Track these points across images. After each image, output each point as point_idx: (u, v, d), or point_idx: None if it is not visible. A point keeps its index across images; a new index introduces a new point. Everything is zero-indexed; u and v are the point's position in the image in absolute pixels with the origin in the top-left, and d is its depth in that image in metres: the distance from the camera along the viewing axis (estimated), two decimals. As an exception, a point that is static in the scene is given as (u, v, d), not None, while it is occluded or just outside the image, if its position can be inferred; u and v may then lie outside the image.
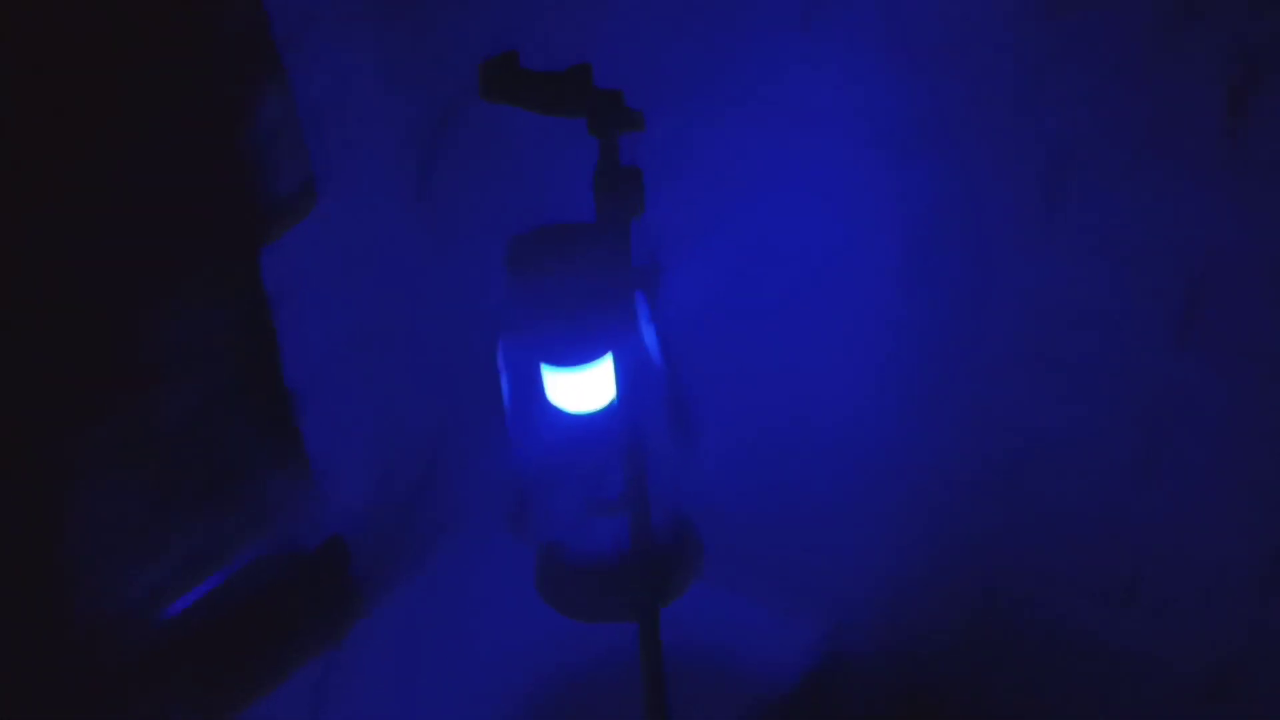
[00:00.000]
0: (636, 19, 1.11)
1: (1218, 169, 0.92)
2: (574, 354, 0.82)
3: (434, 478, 1.51)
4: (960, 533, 1.24)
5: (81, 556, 1.20)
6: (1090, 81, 0.95)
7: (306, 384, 1.37)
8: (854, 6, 1.03)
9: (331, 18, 1.25)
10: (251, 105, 1.16)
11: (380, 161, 1.35)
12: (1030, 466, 1.15)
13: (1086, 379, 1.07)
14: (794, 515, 1.35)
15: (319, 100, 1.25)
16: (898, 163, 1.07)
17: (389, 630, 1.44)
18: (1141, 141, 0.95)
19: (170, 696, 1.30)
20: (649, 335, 0.84)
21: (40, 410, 1.13)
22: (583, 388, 0.86)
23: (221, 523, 1.34)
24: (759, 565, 1.37)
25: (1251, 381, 0.99)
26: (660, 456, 0.89)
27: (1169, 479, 1.07)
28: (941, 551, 1.26)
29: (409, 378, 1.47)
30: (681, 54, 1.13)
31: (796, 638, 1.35)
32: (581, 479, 0.93)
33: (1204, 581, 1.09)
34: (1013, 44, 0.97)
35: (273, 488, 1.39)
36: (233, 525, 1.35)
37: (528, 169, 1.23)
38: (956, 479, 1.21)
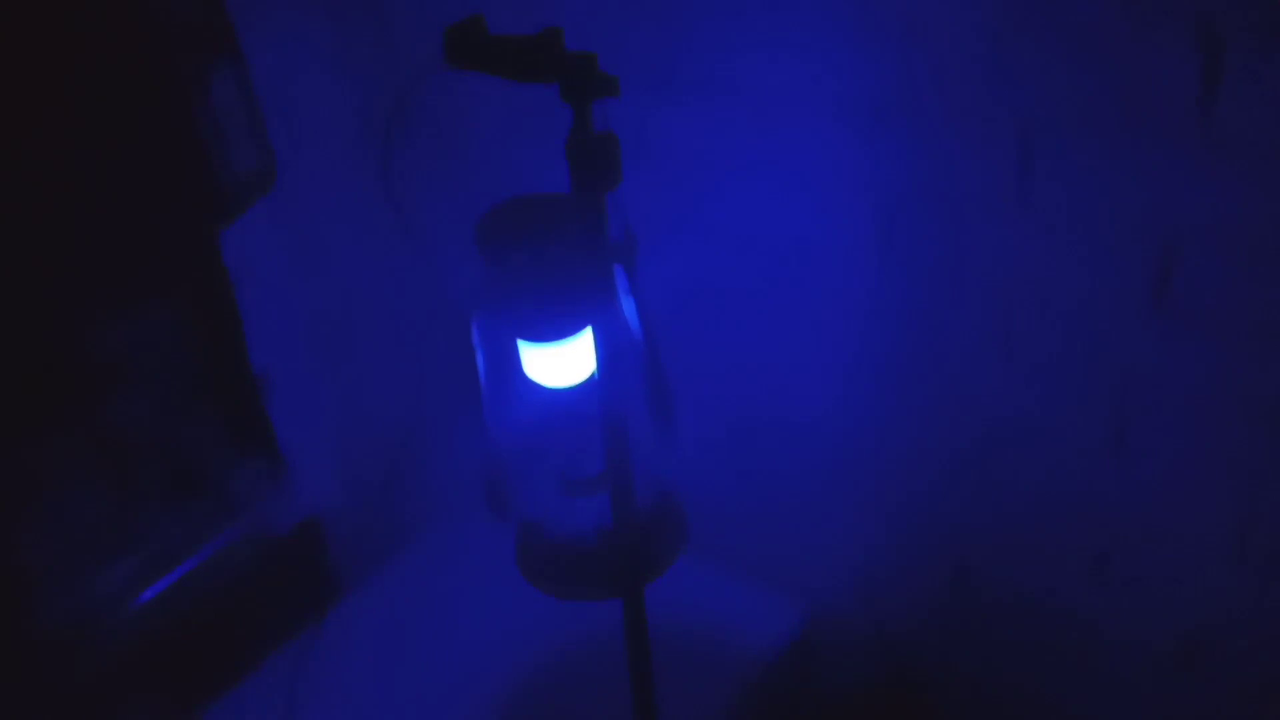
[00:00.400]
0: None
1: (1190, 142, 0.91)
2: (553, 329, 0.80)
3: (409, 459, 1.48)
4: (934, 512, 1.24)
5: (45, 560, 1.17)
6: (1060, 54, 0.94)
7: (274, 367, 1.35)
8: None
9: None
10: (206, 83, 1.13)
11: (341, 138, 1.31)
12: (1002, 445, 1.15)
13: (1057, 357, 1.07)
14: (767, 496, 1.35)
15: (276, 76, 1.21)
16: (866, 141, 1.06)
17: (367, 614, 1.42)
18: (1113, 115, 0.94)
19: (143, 689, 1.27)
20: (628, 308, 0.82)
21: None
22: (561, 362, 0.84)
23: (191, 513, 1.31)
24: (733, 547, 1.37)
25: (1222, 356, 0.98)
26: (641, 431, 0.87)
27: (1139, 455, 1.07)
28: (915, 530, 1.26)
29: (380, 358, 1.45)
30: (644, 34, 1.11)
31: (774, 617, 1.35)
32: (560, 455, 0.91)
33: (1173, 554, 1.10)
34: (981, 17, 0.95)
35: (243, 474, 1.36)
36: (202, 514, 1.33)
37: (494, 142, 1.20)
38: (930, 459, 1.20)
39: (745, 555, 1.38)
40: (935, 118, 1.02)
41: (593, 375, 0.85)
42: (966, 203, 1.04)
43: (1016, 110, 0.98)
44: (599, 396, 0.81)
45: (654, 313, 0.85)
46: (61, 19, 1.03)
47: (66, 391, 1.16)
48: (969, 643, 1.29)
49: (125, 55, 1.08)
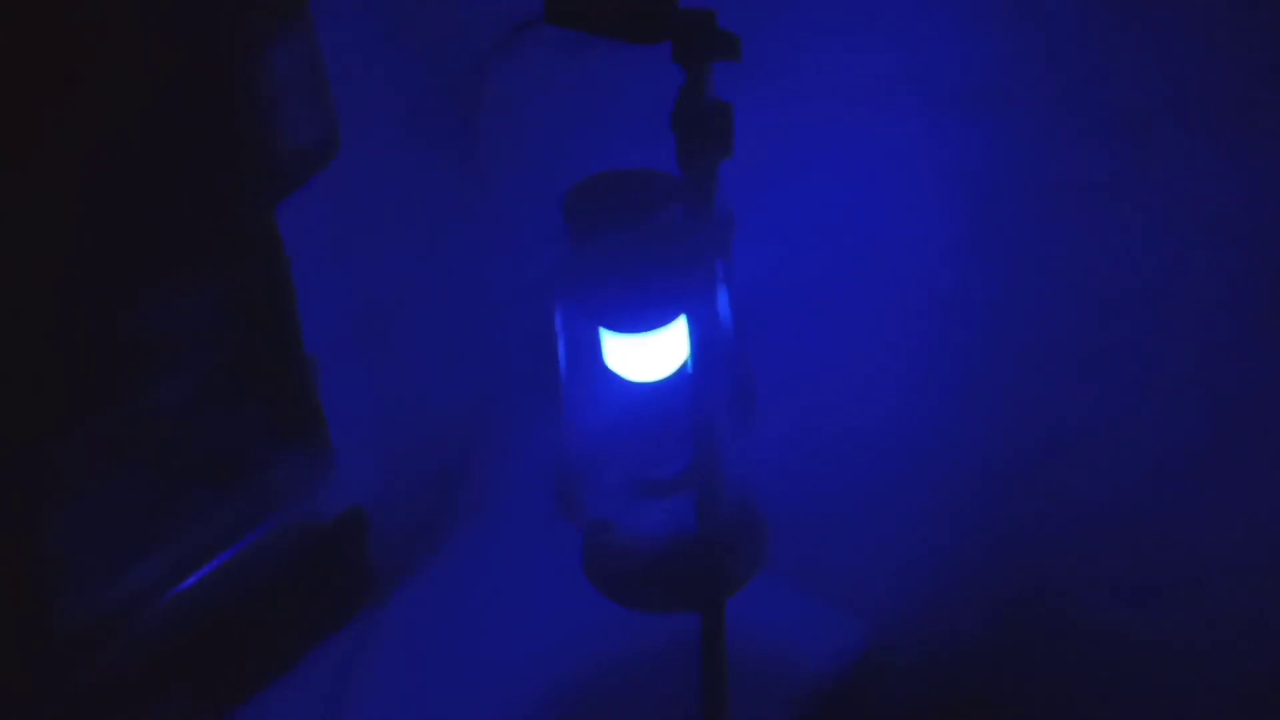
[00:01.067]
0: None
1: None
2: (646, 317, 0.74)
3: (465, 453, 1.42)
4: (1008, 531, 1.17)
5: (75, 550, 1.11)
6: (1192, 37, 0.86)
7: (324, 351, 1.29)
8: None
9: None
10: (269, 45, 1.07)
11: (403, 109, 1.25)
12: (1085, 461, 1.08)
13: (1155, 367, 1.01)
14: (829, 506, 1.29)
15: (337, 42, 1.16)
16: (958, 127, 0.99)
17: (411, 611, 1.36)
18: (1245, 107, 0.86)
19: (176, 686, 1.22)
20: (721, 297, 0.76)
21: (25, 402, 1.03)
22: (649, 355, 0.77)
23: (232, 501, 1.25)
24: (791, 559, 1.29)
25: None
26: (727, 432, 0.81)
27: (1237, 477, 1.00)
28: (987, 550, 1.20)
29: (440, 346, 1.38)
30: (722, 17, 1.04)
31: (834, 634, 1.27)
32: (635, 454, 0.85)
33: (1270, 582, 1.03)
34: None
35: (289, 461, 1.30)
36: (245, 502, 1.27)
37: (585, 109, 1.13)
38: (1006, 475, 1.14)
39: (804, 568, 1.31)
40: (1043, 103, 0.94)
41: (681, 369, 0.79)
42: (1069, 196, 0.97)
43: (1138, 97, 0.91)
44: (691, 393, 0.74)
45: (744, 304, 0.78)
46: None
47: (104, 372, 1.10)
48: (1035, 668, 1.23)
49: (180, 11, 1.02)
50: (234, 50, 1.04)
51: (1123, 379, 1.02)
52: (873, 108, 1.01)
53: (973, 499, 1.18)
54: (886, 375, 1.16)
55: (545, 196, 0.77)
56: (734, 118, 0.63)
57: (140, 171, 1.05)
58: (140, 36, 0.99)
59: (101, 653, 1.15)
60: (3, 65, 0.91)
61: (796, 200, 1.09)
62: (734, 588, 0.84)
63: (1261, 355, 0.94)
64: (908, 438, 1.18)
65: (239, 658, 1.28)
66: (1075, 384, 1.05)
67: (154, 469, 1.18)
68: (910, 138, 1.02)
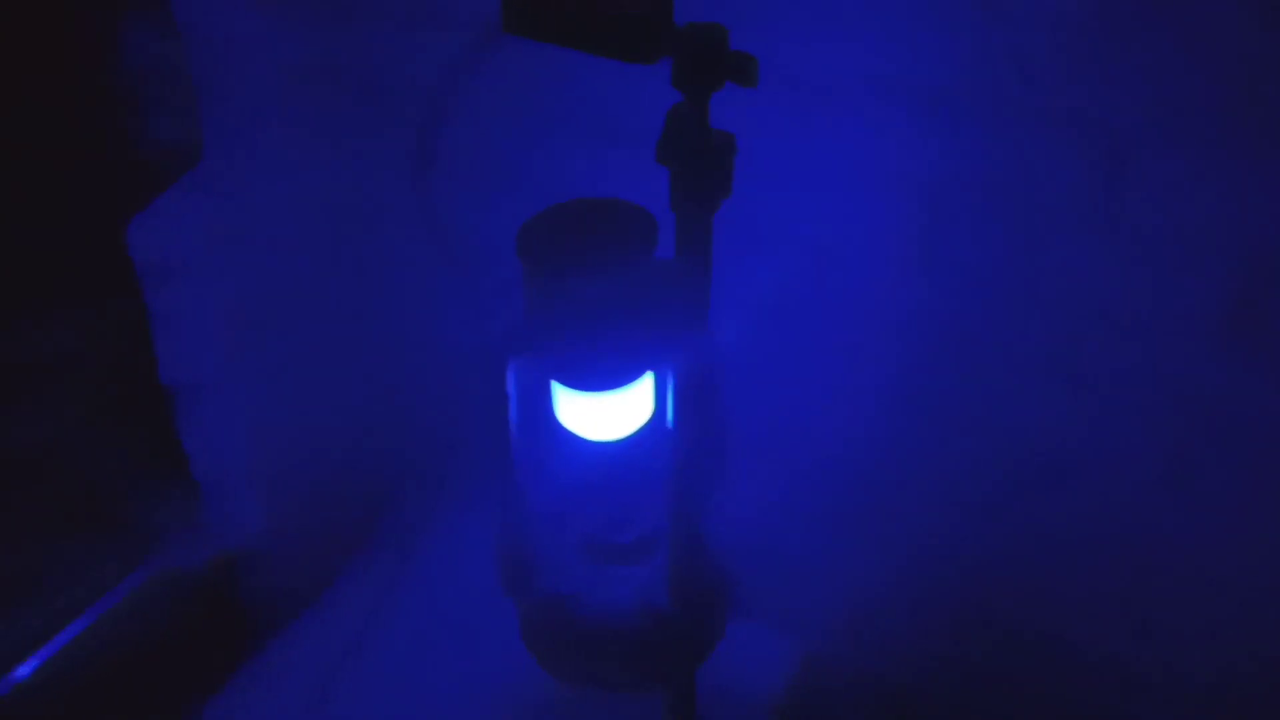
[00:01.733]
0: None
1: None
2: (612, 375, 0.63)
3: (344, 485, 1.28)
4: (958, 549, 1.12)
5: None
6: (1175, 51, 0.82)
7: (192, 380, 1.13)
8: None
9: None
10: (118, 36, 0.90)
11: (275, 104, 1.09)
12: (1043, 479, 1.04)
13: (1119, 384, 0.97)
14: (775, 525, 1.21)
15: (198, 29, 0.99)
16: (921, 135, 0.92)
17: (294, 660, 1.22)
18: (1224, 125, 0.83)
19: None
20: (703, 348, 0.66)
21: None
22: (613, 413, 0.67)
23: (91, 553, 1.09)
24: (742, 579, 1.22)
25: None
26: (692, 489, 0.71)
27: (1198, 494, 0.98)
28: (935, 568, 1.15)
29: (314, 371, 1.23)
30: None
31: (771, 658, 1.21)
32: (596, 518, 0.75)
33: (1223, 599, 1.02)
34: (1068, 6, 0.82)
35: (150, 506, 1.14)
36: (104, 554, 1.11)
37: (529, 134, 0.99)
38: (959, 493, 1.09)
39: (749, 588, 1.24)
40: (1013, 112, 0.88)
41: (645, 426, 0.69)
42: (1035, 209, 0.92)
43: (1106, 110, 0.86)
44: (671, 451, 0.64)
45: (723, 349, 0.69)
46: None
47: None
48: (984, 690, 1.20)
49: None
50: (77, 46, 0.87)
51: (1084, 396, 0.98)
52: (833, 112, 0.93)
53: (926, 521, 1.13)
54: (844, 395, 1.09)
55: (492, 226, 0.65)
56: (737, 150, 0.53)
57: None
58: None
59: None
60: None
61: (746, 210, 1.00)
62: (704, 657, 0.75)
63: (1225, 373, 0.92)
64: (864, 461, 1.12)
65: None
66: (1036, 402, 1.00)
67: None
68: (873, 146, 0.94)
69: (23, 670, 1.03)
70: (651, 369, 0.64)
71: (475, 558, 0.94)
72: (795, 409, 1.10)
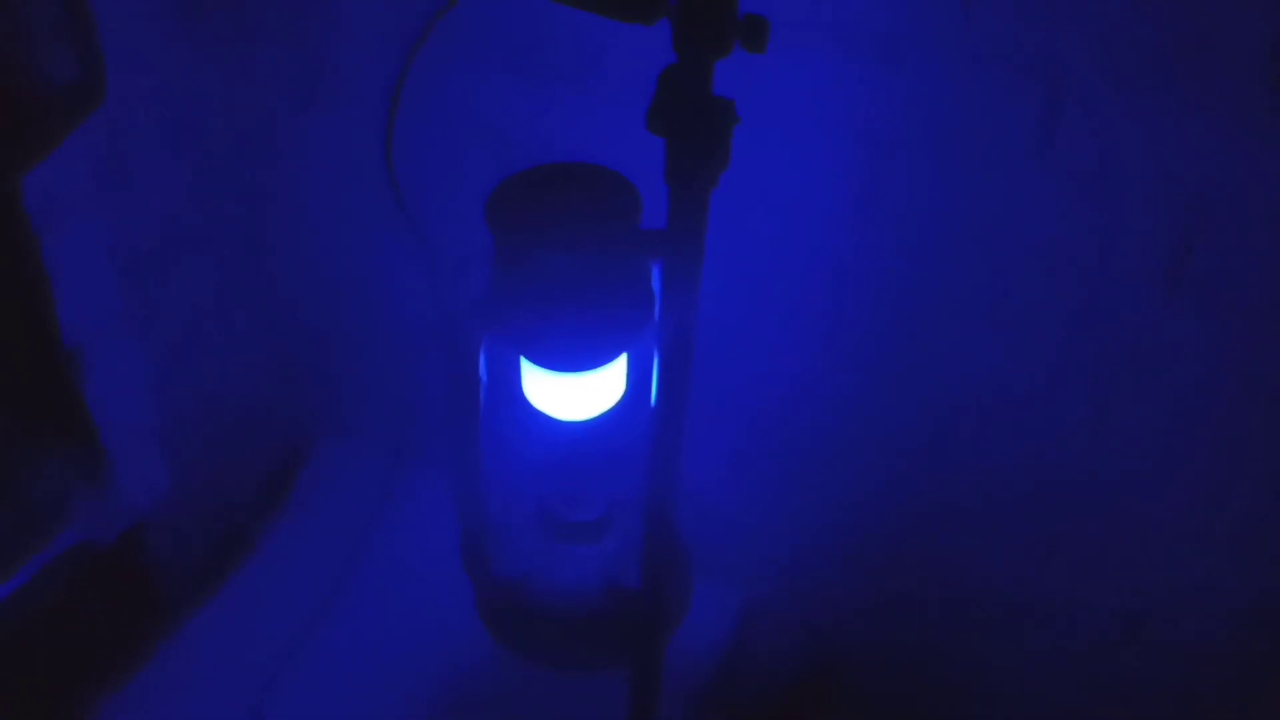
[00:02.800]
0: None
1: (1246, 107, 0.80)
2: (586, 356, 0.59)
3: (256, 446, 1.22)
4: (882, 491, 1.14)
5: None
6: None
7: (88, 339, 1.05)
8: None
9: None
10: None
11: (168, 35, 1.00)
12: (972, 424, 1.05)
13: (1051, 330, 0.97)
14: (710, 476, 1.20)
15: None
16: (862, 80, 0.89)
17: (211, 632, 1.16)
18: (1162, 70, 0.82)
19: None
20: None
21: None
22: (583, 393, 0.63)
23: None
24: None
25: (1227, 338, 0.91)
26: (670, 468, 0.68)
27: (1118, 436, 1.00)
28: (860, 511, 1.16)
29: (221, 320, 1.16)
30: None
31: (713, 605, 1.21)
32: (555, 497, 0.71)
33: (1132, 536, 1.05)
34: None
35: (52, 475, 1.06)
36: (4, 528, 1.03)
37: (502, 101, 0.93)
38: (890, 440, 1.10)
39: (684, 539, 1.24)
40: (956, 56, 0.86)
41: (617, 406, 0.65)
42: (976, 155, 0.91)
43: (1052, 54, 0.84)
44: (654, 441, 0.61)
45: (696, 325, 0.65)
46: None
47: None
48: (904, 625, 1.23)
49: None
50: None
51: (1019, 342, 0.99)
52: (773, 58, 0.89)
53: (855, 466, 1.13)
54: (781, 347, 1.07)
55: (457, 186, 0.60)
56: (738, 119, 0.50)
57: None
58: None
59: None
60: None
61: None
62: (673, 630, 0.73)
63: (1159, 320, 0.92)
64: (789, 406, 1.11)
65: (19, 714, 1.05)
66: (971, 348, 1.00)
67: None
68: (813, 91, 0.91)
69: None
70: (629, 349, 0.60)
71: (428, 529, 0.90)
72: (728, 357, 1.08)
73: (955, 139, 0.90)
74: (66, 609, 1.08)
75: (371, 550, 1.20)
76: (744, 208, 0.98)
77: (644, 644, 0.69)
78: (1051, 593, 1.12)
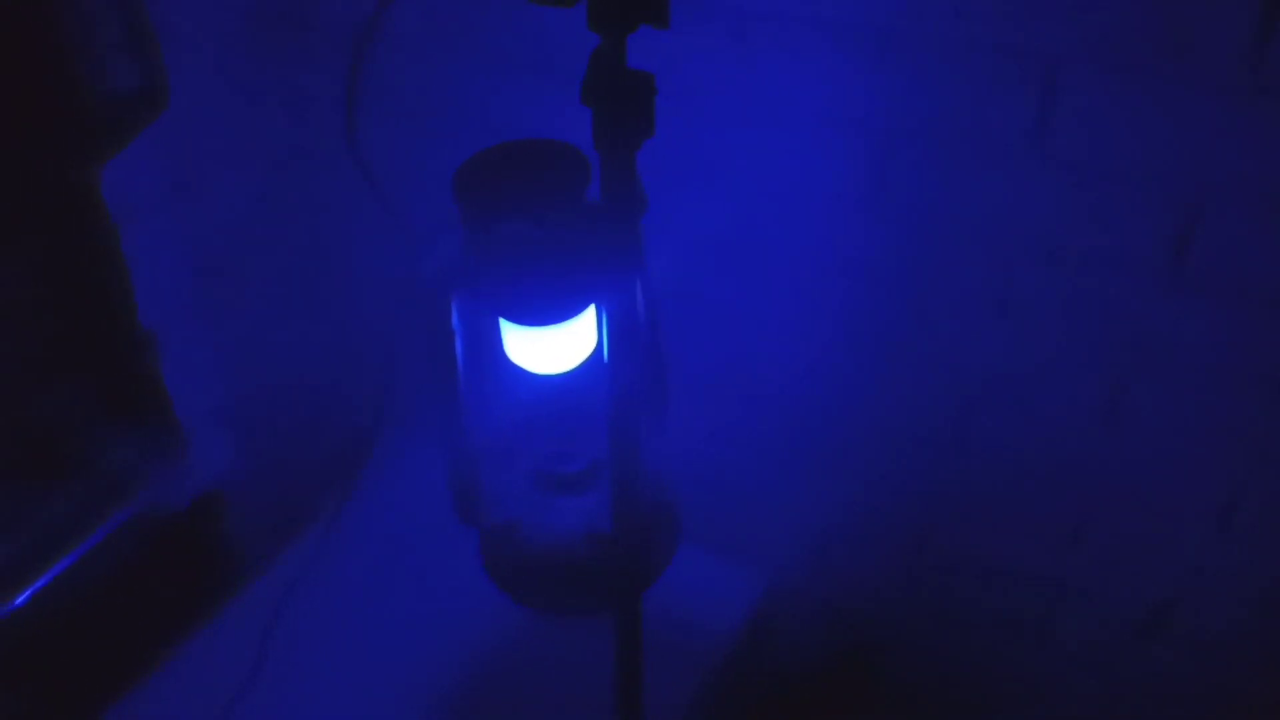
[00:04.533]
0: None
1: (1236, 92, 0.82)
2: (554, 311, 0.66)
3: (318, 425, 1.31)
4: (905, 478, 1.16)
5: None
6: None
7: (163, 324, 1.16)
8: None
9: None
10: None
11: (238, 50, 1.11)
12: (986, 410, 1.07)
13: (1058, 318, 0.99)
14: (735, 461, 1.24)
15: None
16: (864, 73, 0.93)
17: (276, 599, 1.26)
18: (1152, 57, 0.84)
19: (26, 699, 1.09)
20: (636, 284, 0.68)
21: None
22: (556, 347, 0.69)
23: (72, 494, 1.12)
24: (696, 512, 1.26)
25: (1232, 325, 0.92)
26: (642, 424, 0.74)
27: (1132, 423, 1.01)
28: (883, 497, 1.19)
29: (288, 306, 1.26)
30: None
31: (731, 590, 1.25)
32: (538, 449, 0.78)
33: (1154, 524, 1.05)
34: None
35: (132, 446, 1.18)
36: (86, 494, 1.14)
37: (475, 77, 1.01)
38: (906, 424, 1.12)
39: (698, 525, 1.28)
40: (952, 48, 0.89)
41: (588, 360, 0.72)
42: (974, 146, 0.94)
43: (1045, 43, 0.87)
44: (607, 385, 0.67)
45: (656, 285, 0.71)
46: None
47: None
48: (928, 609, 1.24)
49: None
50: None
51: (1027, 330, 1.01)
52: (769, 53, 0.94)
53: (875, 451, 1.16)
54: (795, 330, 1.11)
55: (431, 164, 0.67)
56: (656, 90, 0.56)
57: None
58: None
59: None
60: None
61: (691, 151, 1.02)
62: (650, 581, 0.79)
63: (1162, 307, 0.94)
64: (816, 393, 1.14)
65: (90, 665, 1.16)
66: (980, 336, 1.02)
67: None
68: (811, 85, 0.95)
69: (16, 600, 1.07)
70: (589, 303, 0.67)
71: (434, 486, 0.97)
72: (749, 344, 1.12)
73: (952, 129, 0.93)
74: (141, 566, 1.19)
75: (423, 530, 1.28)
76: (759, 198, 1.03)
77: (619, 590, 0.75)
78: (1078, 581, 1.13)
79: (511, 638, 1.06)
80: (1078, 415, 1.02)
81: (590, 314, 0.69)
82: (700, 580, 1.25)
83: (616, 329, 0.64)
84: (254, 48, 1.13)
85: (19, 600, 1.07)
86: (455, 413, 0.72)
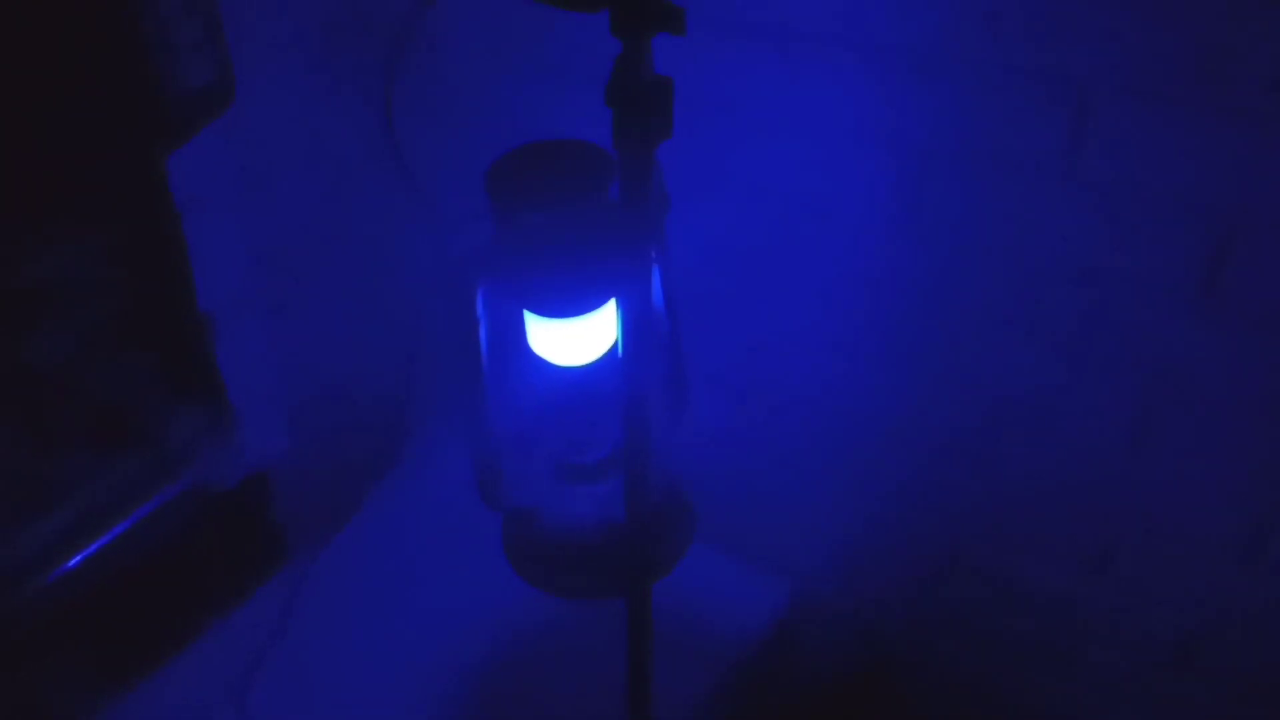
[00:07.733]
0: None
1: (1267, 122, 0.83)
2: (576, 303, 0.69)
3: (366, 410, 1.36)
4: (930, 495, 1.17)
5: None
6: (1137, 9, 0.83)
7: (220, 307, 1.21)
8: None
9: None
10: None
11: (303, 51, 1.17)
12: (1012, 431, 1.08)
13: (1085, 342, 0.99)
14: (756, 472, 1.27)
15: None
16: (896, 94, 0.95)
17: (320, 578, 1.31)
18: (1186, 84, 0.84)
19: (71, 664, 1.15)
20: (656, 278, 0.71)
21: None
22: (577, 339, 0.73)
23: (126, 466, 1.18)
24: (717, 524, 1.28)
25: (1266, 351, 0.91)
26: (655, 415, 0.77)
27: (1160, 449, 1.00)
28: (908, 513, 1.20)
29: (339, 299, 1.31)
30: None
31: (757, 597, 1.27)
32: (558, 439, 0.81)
33: (1182, 553, 1.05)
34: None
35: (185, 424, 1.23)
36: (139, 468, 1.20)
37: (509, 78, 1.06)
38: (932, 442, 1.13)
39: (728, 533, 1.30)
40: (985, 72, 0.91)
41: (609, 353, 0.75)
42: (1005, 167, 0.95)
43: (1078, 68, 0.88)
44: (622, 376, 0.70)
45: (677, 283, 0.74)
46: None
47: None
48: (952, 630, 1.24)
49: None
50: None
51: (1055, 352, 1.01)
52: (808, 71, 0.97)
53: (900, 467, 1.17)
54: (822, 343, 1.14)
55: (464, 163, 0.71)
56: (674, 94, 0.59)
57: (15, 114, 0.96)
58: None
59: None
60: None
61: (729, 161, 1.05)
62: (661, 572, 0.81)
63: (1193, 333, 0.94)
64: (842, 406, 1.16)
65: (140, 631, 1.22)
66: (1008, 356, 1.03)
67: (32, 429, 1.10)
68: (847, 103, 0.98)
69: (69, 563, 1.13)
70: (609, 297, 0.70)
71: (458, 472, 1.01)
72: (778, 355, 1.14)
73: (985, 152, 0.94)
74: (188, 539, 1.24)
75: (454, 516, 1.32)
76: (785, 214, 1.06)
77: (630, 579, 0.78)
78: (1105, 607, 1.13)
79: (534, 622, 1.09)
80: (1104, 439, 1.03)
81: (611, 308, 0.72)
82: (727, 584, 1.27)
83: (631, 321, 0.67)
84: (313, 49, 1.18)
85: (72, 563, 1.13)
86: (479, 400, 0.75)
